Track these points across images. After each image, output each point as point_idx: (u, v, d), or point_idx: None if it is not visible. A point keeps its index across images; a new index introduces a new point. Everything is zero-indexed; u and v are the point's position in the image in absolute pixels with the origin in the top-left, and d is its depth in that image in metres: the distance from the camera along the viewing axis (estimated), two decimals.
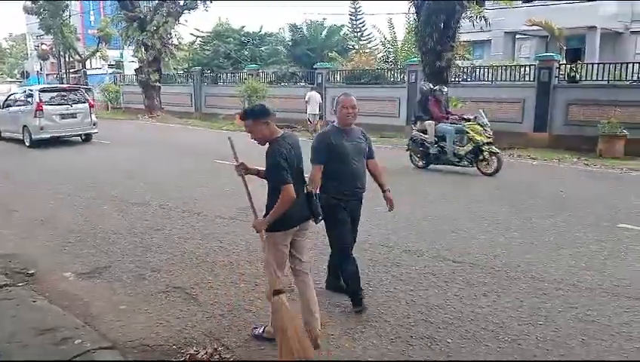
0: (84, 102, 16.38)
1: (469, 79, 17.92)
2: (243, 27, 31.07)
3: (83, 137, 16.53)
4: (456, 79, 17.39)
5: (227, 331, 4.07)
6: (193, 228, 6.89)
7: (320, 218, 3.83)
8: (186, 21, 30.91)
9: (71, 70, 36.73)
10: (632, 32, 25.51)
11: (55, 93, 16.37)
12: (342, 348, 3.81)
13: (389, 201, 4.53)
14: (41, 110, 15.27)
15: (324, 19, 28.74)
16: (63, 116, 15.72)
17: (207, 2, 24.96)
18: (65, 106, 15.87)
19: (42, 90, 16.46)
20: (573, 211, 7.58)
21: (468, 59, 19.05)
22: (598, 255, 5.69)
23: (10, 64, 64.56)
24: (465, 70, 18.19)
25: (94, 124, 16.44)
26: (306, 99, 18.07)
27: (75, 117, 15.98)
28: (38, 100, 15.46)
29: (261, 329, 3.97)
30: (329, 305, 4.45)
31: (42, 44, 37.19)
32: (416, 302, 4.52)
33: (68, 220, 7.30)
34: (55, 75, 38.30)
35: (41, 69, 43.16)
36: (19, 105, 16.42)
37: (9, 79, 48.97)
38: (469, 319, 4.19)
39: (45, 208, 8.00)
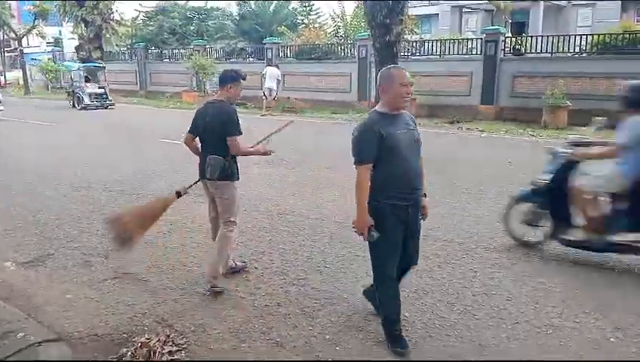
0: None
1: (417, 53, 18.02)
2: (187, 1, 30.12)
3: None
4: (406, 54, 17.45)
5: (180, 316, 3.94)
6: None
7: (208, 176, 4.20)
8: None
9: (6, 49, 34.75)
10: (574, 5, 26.24)
11: None
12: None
13: (424, 210, 3.52)
14: None
15: None
16: None
17: None
18: None
19: None
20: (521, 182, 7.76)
21: (417, 34, 19.10)
22: None
23: None
24: (414, 44, 18.26)
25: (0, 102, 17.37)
26: (263, 72, 17.78)
27: None
28: None
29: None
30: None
31: None
32: None
33: (6, 206, 6.91)
34: None
35: None
36: None
37: None
38: (426, 290, 4.23)
39: None
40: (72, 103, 21.05)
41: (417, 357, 3.39)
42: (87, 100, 20.18)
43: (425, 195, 3.47)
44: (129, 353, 3.47)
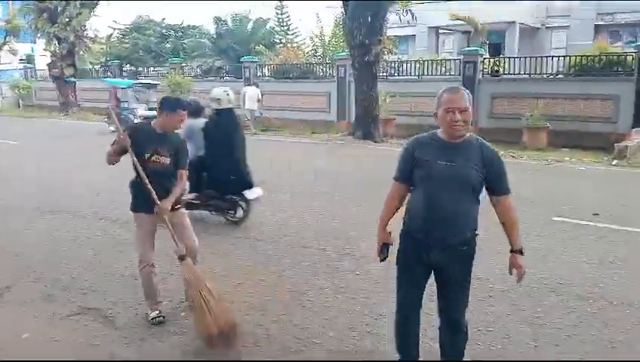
0: None
1: (396, 74, 18.00)
2: (164, 19, 29.84)
3: None
4: (384, 74, 17.41)
5: (149, 359, 3.57)
6: (111, 237, 6.28)
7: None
8: (102, 14, 29.24)
9: None
10: (547, 27, 26.69)
11: None
12: None
13: (516, 268, 2.97)
14: None
15: (248, 11, 28.07)
16: None
17: None
18: None
19: None
20: None
21: (395, 54, 19.12)
22: (538, 251, 5.63)
23: None
24: (392, 65, 18.24)
25: None
26: (242, 92, 17.43)
27: None
28: None
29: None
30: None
31: None
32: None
33: None
34: None
35: None
36: None
37: None
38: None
39: None
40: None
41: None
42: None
43: (519, 252, 2.95)
44: None
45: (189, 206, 6.02)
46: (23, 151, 13.49)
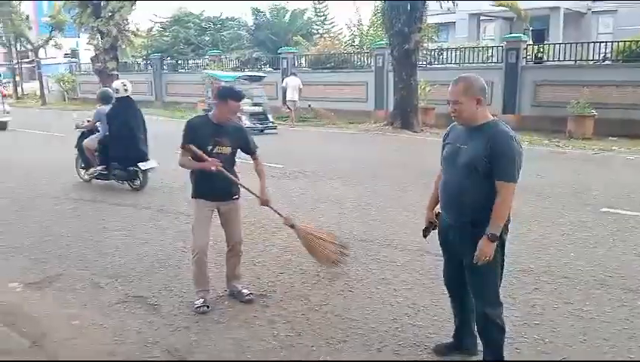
0: None
1: (435, 62, 17.71)
2: (203, 12, 30.14)
3: None
4: (424, 62, 17.16)
5: (194, 346, 3.63)
6: (154, 227, 6.39)
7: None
8: (144, 7, 29.63)
9: (24, 60, 35.08)
10: (594, 12, 25.75)
11: None
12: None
13: (478, 248, 2.88)
14: None
15: (286, 2, 28.12)
16: None
17: None
18: None
19: None
20: (555, 196, 7.39)
21: (435, 42, 18.81)
22: (586, 242, 5.45)
23: None
24: (432, 53, 17.96)
25: (7, 113, 17.08)
26: (284, 84, 17.44)
27: None
28: None
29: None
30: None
31: None
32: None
33: (15, 223, 6.67)
34: (7, 66, 36.50)
35: None
36: None
37: None
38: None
39: None
40: None
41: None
42: (246, 122, 14.38)
43: (489, 236, 2.85)
44: None
45: (100, 176, 8.41)
46: (70, 144, 13.87)
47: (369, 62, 18.97)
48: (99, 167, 8.37)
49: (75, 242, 5.85)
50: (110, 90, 8.58)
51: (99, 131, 8.43)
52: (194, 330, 3.84)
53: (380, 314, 4.01)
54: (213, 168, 3.91)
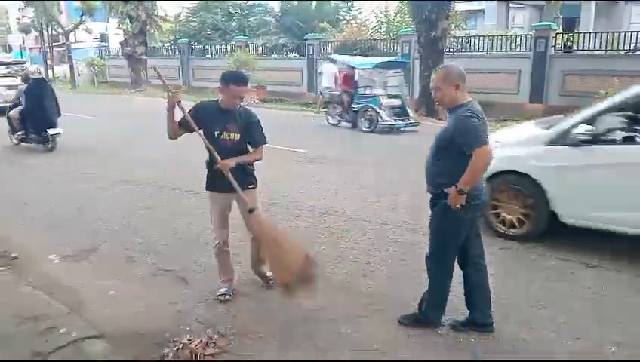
0: None
1: (463, 50, 17.58)
2: None
3: None
4: (451, 50, 17.05)
5: (222, 317, 3.84)
6: (183, 206, 6.64)
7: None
8: None
9: (55, 44, 35.75)
10: (627, 1, 25.15)
11: (2, 67, 17.32)
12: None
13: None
14: None
15: None
16: (9, 87, 15.98)
17: None
18: (11, 78, 16.27)
19: None
20: None
21: (463, 29, 18.63)
22: None
23: None
24: (459, 40, 17.83)
25: None
26: (320, 70, 17.31)
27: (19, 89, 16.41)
28: None
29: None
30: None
31: (24, 16, 36.05)
32: None
33: (51, 201, 6.98)
34: (39, 49, 37.27)
35: (23, 43, 42.04)
36: None
37: None
38: None
39: (25, 188, 7.68)
40: (337, 120, 13.74)
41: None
42: (386, 118, 12.68)
43: (456, 188, 3.25)
44: (171, 354, 3.39)
45: (22, 140, 10.59)
46: (101, 126, 14.25)
47: (395, 49, 18.91)
48: (19, 132, 10.64)
49: (108, 219, 6.12)
50: (30, 73, 11.13)
51: (22, 105, 10.45)
52: (222, 302, 4.04)
53: (400, 292, 4.15)
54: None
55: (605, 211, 4.74)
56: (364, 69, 13.63)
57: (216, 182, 3.97)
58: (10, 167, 9.23)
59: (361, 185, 7.55)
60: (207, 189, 4.12)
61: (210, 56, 25.44)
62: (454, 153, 3.27)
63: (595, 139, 4.77)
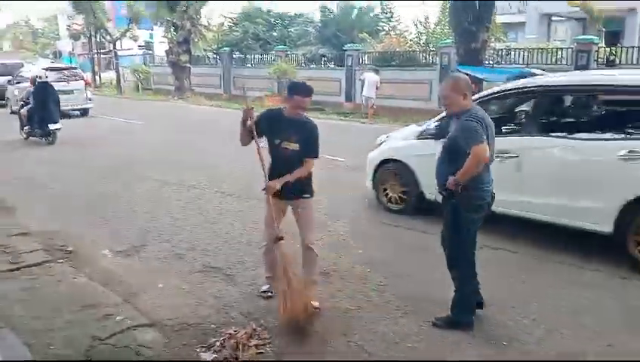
0: (80, 80, 18.26)
1: (503, 62, 17.52)
2: (271, 9, 30.84)
3: (81, 112, 18.06)
4: (491, 62, 17.02)
5: (265, 312, 4.06)
6: (226, 208, 6.92)
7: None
8: (216, 2, 30.67)
9: (102, 50, 37.07)
10: None
11: (55, 72, 17.92)
12: None
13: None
14: None
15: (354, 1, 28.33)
16: (61, 92, 16.53)
17: None
18: (63, 83, 17.15)
19: (43, 69, 17.77)
20: None
21: (503, 41, 18.55)
22: None
23: (42, 44, 65.48)
24: (499, 52, 17.78)
25: (90, 100, 18.28)
26: (362, 77, 17.61)
27: (72, 93, 17.54)
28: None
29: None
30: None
31: (74, 24, 37.50)
32: None
33: (104, 198, 7.40)
34: (86, 55, 38.70)
35: (72, 50, 43.71)
36: (25, 83, 17.36)
37: (41, 59, 49.73)
38: None
39: (81, 186, 8.13)
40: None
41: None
42: None
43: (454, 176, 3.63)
44: (217, 343, 3.62)
45: (29, 134, 12.31)
46: (148, 131, 14.80)
47: (434, 60, 18.98)
48: (26, 127, 12.32)
49: (157, 218, 6.46)
50: (37, 77, 12.62)
51: (30, 104, 12.13)
52: (264, 298, 4.27)
53: (437, 296, 4.28)
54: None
55: None
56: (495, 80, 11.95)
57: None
58: (70, 169, 9.72)
59: None
60: (265, 192, 4.19)
61: (250, 65, 25.99)
62: (462, 156, 3.57)
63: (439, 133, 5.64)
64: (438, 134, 5.63)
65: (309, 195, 4.14)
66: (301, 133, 4.01)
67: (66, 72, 18.71)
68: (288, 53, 24.37)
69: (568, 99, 6.36)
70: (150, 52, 36.21)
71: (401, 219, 6.38)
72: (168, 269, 4.92)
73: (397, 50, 21.25)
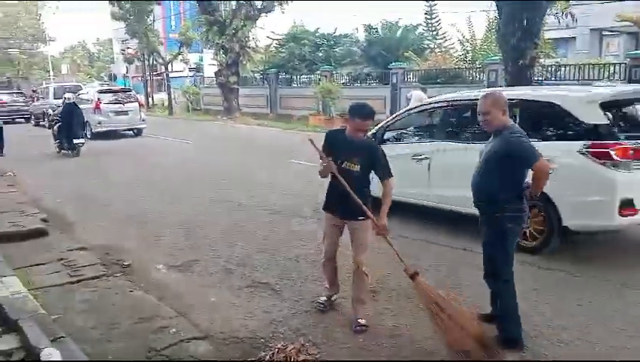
0: (135, 102, 19.18)
1: (552, 78, 17.19)
2: (318, 29, 31.33)
3: (135, 131, 18.95)
4: (540, 78, 16.73)
5: (313, 327, 4.13)
6: (275, 225, 7.06)
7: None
8: (263, 25, 31.37)
9: (154, 73, 38.46)
10: None
11: (111, 94, 19.29)
12: None
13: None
14: (99, 108, 18.03)
15: (399, 18, 28.47)
16: (117, 113, 18.33)
17: (284, 4, 25.35)
18: (118, 105, 18.43)
19: (100, 92, 19.50)
20: None
21: (553, 57, 18.19)
22: None
23: (98, 67, 68.55)
24: (549, 69, 17.46)
25: (143, 120, 19.16)
26: (408, 95, 17.70)
27: (127, 114, 18.59)
28: (96, 100, 18.18)
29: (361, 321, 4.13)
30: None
31: (128, 48, 39.12)
32: None
33: (159, 215, 7.70)
34: (140, 78, 40.23)
35: (127, 72, 45.57)
36: (83, 105, 18.56)
37: (97, 82, 51.98)
38: None
39: (137, 202, 8.48)
40: None
41: None
42: None
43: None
44: (267, 357, 3.70)
45: (59, 147, 14.23)
46: (198, 150, 15.26)
47: (481, 77, 18.81)
48: (56, 142, 14.33)
49: (208, 234, 6.67)
50: (66, 98, 14.60)
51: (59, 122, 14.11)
52: (313, 314, 4.35)
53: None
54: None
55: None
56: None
57: (331, 205, 4.25)
58: (124, 186, 10.13)
59: None
60: (323, 209, 4.37)
61: (296, 85, 26.42)
62: (505, 170, 3.68)
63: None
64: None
65: (364, 217, 4.10)
66: (363, 154, 4.07)
67: (121, 94, 19.66)
68: (334, 72, 24.66)
69: (464, 111, 6.94)
70: (200, 74, 37.39)
71: (436, 234, 6.35)
72: (219, 284, 5.07)
73: (442, 67, 21.19)
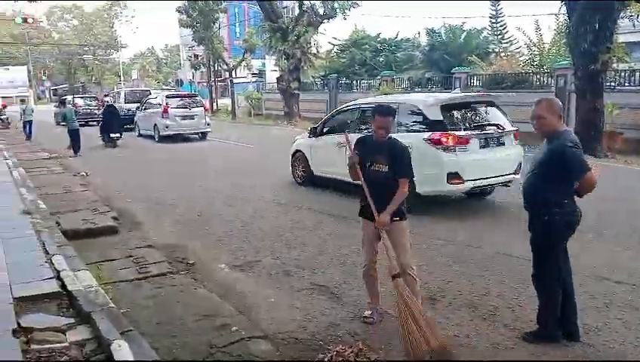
0: (200, 107, 19.90)
1: (627, 84, 16.37)
2: (379, 34, 31.27)
3: (200, 135, 19.68)
4: (612, 84, 15.98)
5: (372, 332, 4.13)
6: (333, 229, 7.11)
7: None
8: (325, 30, 31.65)
9: (218, 78, 39.54)
10: None
11: (178, 99, 20.11)
12: None
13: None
14: (167, 112, 18.79)
15: (463, 22, 28.04)
16: (183, 117, 19.11)
17: (346, 11, 25.46)
18: (185, 109, 19.24)
19: (168, 96, 20.22)
20: None
21: (627, 62, 17.32)
22: None
23: (165, 73, 71.23)
24: (622, 74, 16.64)
25: (208, 124, 19.86)
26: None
27: (193, 118, 19.35)
28: (164, 104, 18.89)
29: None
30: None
31: (194, 54, 40.43)
32: None
33: (221, 216, 7.93)
34: (205, 83, 41.46)
35: (193, 78, 47.09)
36: (152, 109, 20.01)
37: (164, 87, 54.00)
38: None
39: (201, 204, 8.75)
40: None
41: None
42: None
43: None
44: (325, 359, 3.73)
45: (103, 140, 17.46)
46: (259, 153, 15.58)
47: (549, 82, 18.17)
48: (101, 135, 17.38)
49: (268, 236, 6.80)
50: (106, 101, 18.78)
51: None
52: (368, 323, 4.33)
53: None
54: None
55: (325, 167, 9.49)
56: None
57: (366, 210, 4.23)
58: (189, 188, 10.48)
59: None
60: (359, 215, 4.39)
61: (356, 90, 26.44)
62: (556, 176, 3.69)
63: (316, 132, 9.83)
64: (313, 133, 9.89)
65: (399, 218, 4.11)
66: (389, 154, 4.10)
67: (187, 98, 20.42)
68: (394, 77, 24.51)
69: (367, 112, 8.50)
70: (262, 80, 38.15)
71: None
72: (279, 285, 5.16)
73: (508, 72, 20.62)
